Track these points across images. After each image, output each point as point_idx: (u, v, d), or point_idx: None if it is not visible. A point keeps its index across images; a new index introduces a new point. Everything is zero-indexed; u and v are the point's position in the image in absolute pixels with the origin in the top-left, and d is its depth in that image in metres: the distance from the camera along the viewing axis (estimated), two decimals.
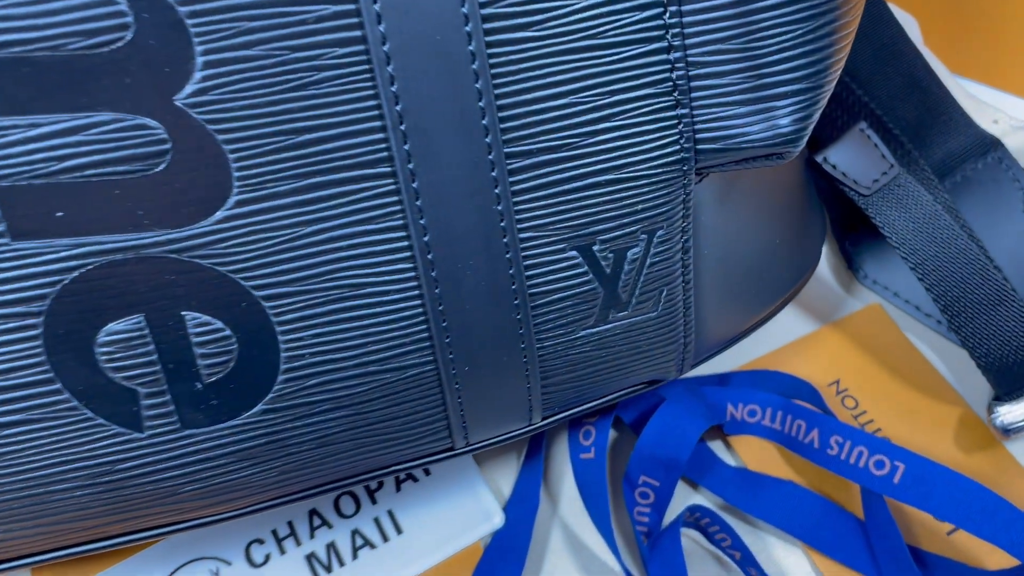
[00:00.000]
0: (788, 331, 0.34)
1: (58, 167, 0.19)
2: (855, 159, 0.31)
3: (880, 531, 0.28)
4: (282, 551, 0.29)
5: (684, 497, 0.30)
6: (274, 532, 0.29)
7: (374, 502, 0.30)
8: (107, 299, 0.20)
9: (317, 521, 0.29)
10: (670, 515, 0.30)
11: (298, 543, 0.29)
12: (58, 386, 0.20)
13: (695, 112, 0.22)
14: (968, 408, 0.32)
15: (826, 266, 0.36)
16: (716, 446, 0.31)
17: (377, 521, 0.29)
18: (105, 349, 0.20)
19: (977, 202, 0.34)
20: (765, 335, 0.34)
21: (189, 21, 0.18)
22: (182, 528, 0.23)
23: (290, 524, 0.29)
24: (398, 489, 0.30)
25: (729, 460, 0.31)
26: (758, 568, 0.28)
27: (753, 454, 0.31)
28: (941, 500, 0.28)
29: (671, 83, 0.21)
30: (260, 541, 0.29)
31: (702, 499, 0.30)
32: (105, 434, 0.21)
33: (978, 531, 0.27)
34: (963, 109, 0.35)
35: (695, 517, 0.29)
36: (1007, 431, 0.30)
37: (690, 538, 0.29)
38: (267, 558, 0.29)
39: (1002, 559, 0.29)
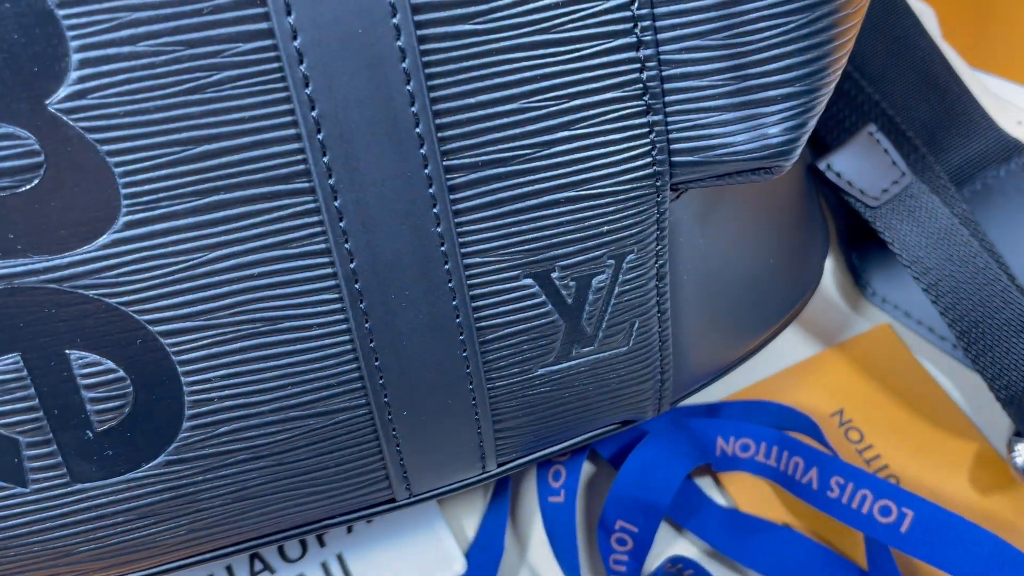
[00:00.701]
0: (786, 354, 0.31)
1: None
2: (862, 166, 0.28)
3: None
4: None
5: (666, 541, 0.27)
6: None
7: (322, 545, 0.27)
8: None
9: (259, 566, 0.26)
10: (650, 564, 0.27)
11: None
12: None
13: (669, 119, 0.18)
14: (986, 443, 0.29)
15: (830, 282, 0.33)
16: (704, 483, 0.28)
17: (325, 566, 0.26)
18: None
19: (999, 214, 0.31)
20: (760, 359, 0.31)
21: (60, 12, 0.15)
22: None
23: (228, 569, 0.26)
24: (349, 531, 0.27)
25: (719, 499, 0.28)
26: None
27: (745, 493, 0.28)
28: (954, 553, 0.25)
29: (641, 85, 0.18)
30: None
31: (687, 544, 0.27)
32: None
33: None
34: (984, 109, 0.32)
35: (677, 568, 0.26)
36: None
37: None
38: None
39: None
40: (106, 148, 0.16)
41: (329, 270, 0.18)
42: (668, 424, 0.28)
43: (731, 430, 0.28)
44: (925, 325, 0.31)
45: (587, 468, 0.29)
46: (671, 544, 0.27)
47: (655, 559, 0.27)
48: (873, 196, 0.28)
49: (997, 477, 0.28)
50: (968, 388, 0.30)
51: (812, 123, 0.19)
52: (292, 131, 0.17)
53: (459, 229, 0.18)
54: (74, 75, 0.16)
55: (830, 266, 0.33)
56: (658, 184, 0.19)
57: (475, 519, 0.28)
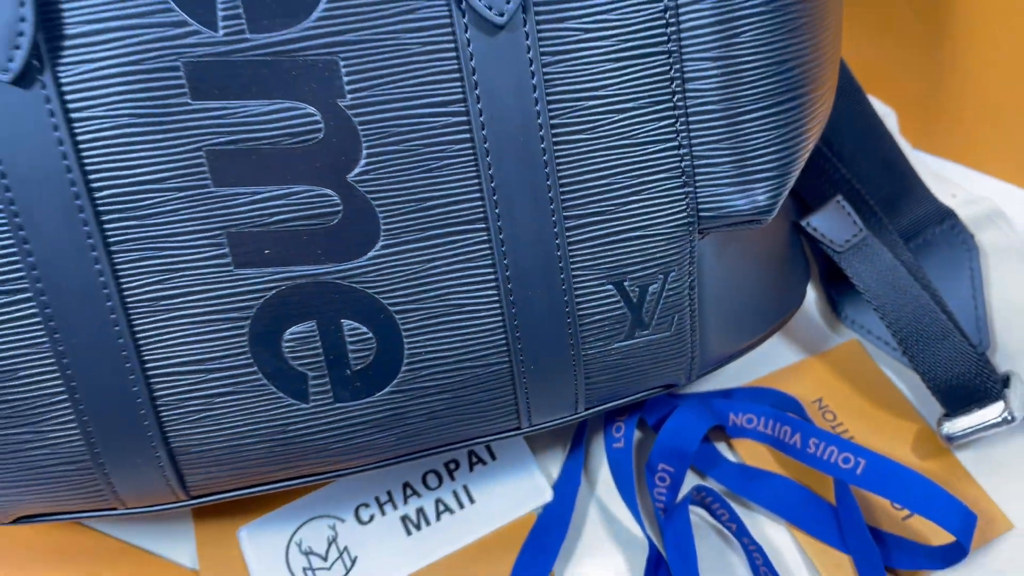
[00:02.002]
0: (783, 358, 0.42)
1: (269, 220, 0.28)
2: (832, 224, 0.40)
3: (847, 513, 0.36)
4: (383, 513, 0.38)
5: (693, 481, 0.38)
6: (376, 498, 0.38)
7: (452, 479, 0.38)
8: (292, 310, 0.29)
9: (409, 491, 0.38)
10: (682, 495, 0.38)
11: (395, 507, 0.38)
12: (255, 368, 0.29)
13: (698, 191, 0.31)
14: (925, 424, 0.40)
15: (815, 308, 0.44)
16: (721, 447, 0.40)
17: (455, 493, 0.38)
18: (288, 344, 0.29)
19: (935, 260, 0.42)
20: (762, 360, 0.42)
21: (360, 128, 0.28)
22: (324, 478, 0.32)
23: (388, 493, 0.38)
24: (471, 470, 0.39)
25: (730, 457, 0.39)
26: (750, 538, 0.36)
27: (749, 452, 0.39)
28: (894, 488, 0.36)
29: (680, 170, 0.30)
30: (366, 505, 0.38)
31: (708, 485, 0.38)
32: (282, 404, 0.30)
33: (922, 512, 0.35)
34: (926, 185, 0.44)
35: (700, 496, 0.37)
36: (951, 440, 0.38)
37: (696, 514, 0.38)
38: (371, 518, 0.37)
39: (944, 538, 0.36)
40: (376, 203, 0.29)
41: (492, 278, 0.30)
42: (695, 402, 0.39)
43: (740, 408, 0.40)
44: (882, 340, 0.42)
45: (636, 433, 0.40)
46: (696, 484, 0.38)
47: (684, 491, 0.38)
48: (839, 244, 0.39)
49: (932, 447, 0.39)
50: (911, 383, 0.41)
51: (786, 192, 0.31)
52: (478, 194, 0.29)
53: (570, 253, 0.30)
54: (363, 161, 0.28)
55: (815, 297, 0.45)
56: (690, 229, 0.31)
57: (558, 464, 0.39)
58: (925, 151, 0.48)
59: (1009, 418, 0.37)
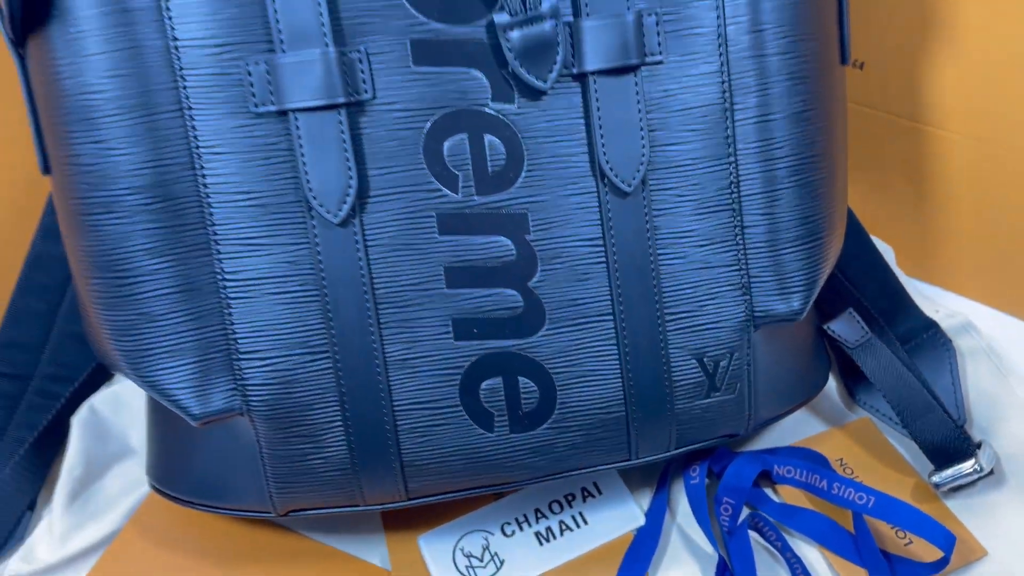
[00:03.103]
0: (812, 428, 0.57)
1: (479, 311, 0.44)
2: (846, 329, 0.55)
3: (863, 537, 0.50)
4: (521, 529, 0.52)
5: (748, 513, 0.52)
6: (516, 519, 0.52)
7: (571, 507, 0.52)
8: (487, 370, 0.44)
9: (540, 514, 0.52)
10: (740, 520, 0.52)
11: (530, 525, 0.52)
12: (461, 409, 0.45)
13: (753, 299, 0.46)
14: (919, 477, 0.54)
15: (835, 392, 0.59)
16: (768, 491, 0.54)
17: (573, 516, 0.52)
18: (483, 392, 0.45)
19: (924, 358, 0.57)
20: (799, 429, 0.56)
21: (538, 253, 0.44)
22: (497, 490, 0.47)
23: (524, 515, 0.52)
24: (584, 500, 0.53)
25: (775, 498, 0.53)
26: (792, 553, 0.49)
27: (788, 494, 0.53)
28: (897, 518, 0.50)
29: (741, 285, 0.46)
30: (508, 523, 0.52)
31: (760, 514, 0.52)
32: (475, 433, 0.45)
33: (916, 532, 0.49)
34: (916, 304, 0.59)
35: (755, 522, 0.51)
36: (938, 487, 0.52)
37: (751, 536, 0.51)
38: (513, 532, 0.51)
39: (935, 557, 0.49)
40: (545, 301, 0.44)
41: (615, 353, 0.45)
42: (749, 456, 0.53)
43: (782, 462, 0.54)
44: (887, 416, 0.57)
45: (707, 477, 0.54)
46: (751, 512, 0.52)
47: (742, 518, 0.52)
48: (852, 343, 0.54)
49: (925, 494, 0.53)
50: (908, 447, 0.55)
51: (812, 301, 0.46)
52: (608, 299, 0.44)
53: (668, 339, 0.46)
54: (538, 274, 0.44)
55: (834, 384, 0.59)
56: (748, 325, 0.46)
57: (647, 498, 0.53)
58: (916, 278, 0.64)
59: (979, 469, 0.51)
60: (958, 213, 0.62)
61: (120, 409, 0.56)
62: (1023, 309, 0.62)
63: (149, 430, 0.49)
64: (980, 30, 0.56)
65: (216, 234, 0.41)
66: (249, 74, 0.40)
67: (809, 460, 0.54)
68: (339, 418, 0.44)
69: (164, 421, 0.47)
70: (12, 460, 0.52)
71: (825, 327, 0.55)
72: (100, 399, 0.56)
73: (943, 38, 0.59)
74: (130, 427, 0.56)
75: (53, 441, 0.55)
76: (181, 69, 0.40)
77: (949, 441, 0.52)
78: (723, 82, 0.44)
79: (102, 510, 0.53)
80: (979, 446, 0.52)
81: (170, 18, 0.39)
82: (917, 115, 0.61)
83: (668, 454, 0.48)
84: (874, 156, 0.64)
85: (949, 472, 0.51)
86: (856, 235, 0.61)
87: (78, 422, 0.54)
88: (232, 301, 0.42)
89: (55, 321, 0.55)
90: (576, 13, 0.42)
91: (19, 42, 0.40)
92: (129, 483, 0.54)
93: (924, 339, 0.58)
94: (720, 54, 0.44)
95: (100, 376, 0.57)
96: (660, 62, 0.43)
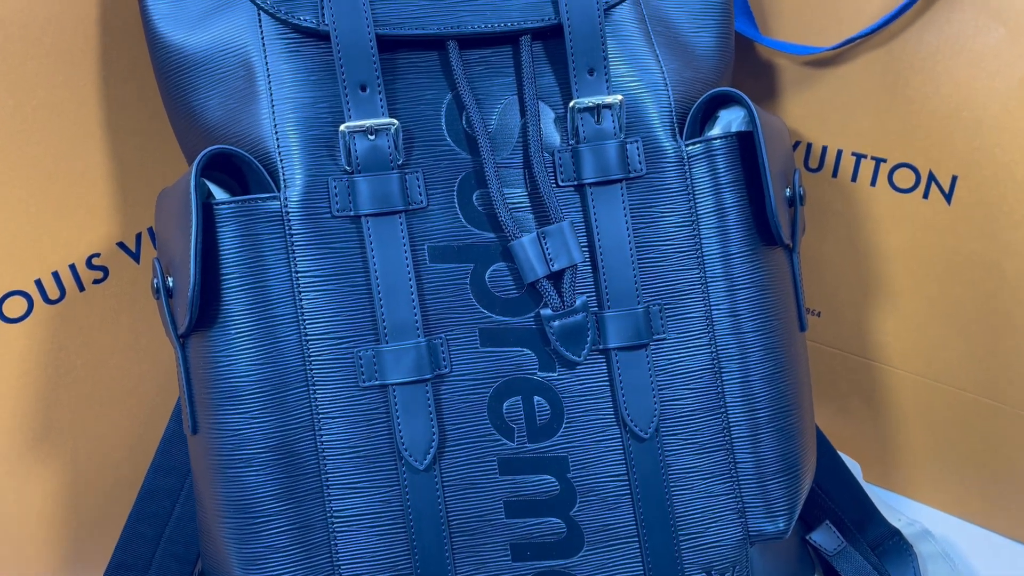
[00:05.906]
0: None
1: (528, 539, 0.55)
2: (824, 538, 0.66)
3: None
4: None
5: None
6: None
7: None
8: None
9: None
10: None
11: None
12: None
13: (748, 522, 0.58)
14: None
15: None
16: None
17: None
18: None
19: (891, 561, 0.68)
20: None
21: (577, 488, 0.56)
22: None
23: None
24: None
25: None
26: None
27: None
28: None
29: (737, 511, 0.57)
30: None
31: None
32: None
33: None
34: (881, 513, 0.71)
35: None
36: None
37: None
38: None
39: None
40: (584, 526, 0.56)
41: (639, 565, 0.56)
42: None
43: None
44: None
45: None
46: None
47: None
48: (831, 551, 0.65)
49: None
50: None
51: (795, 520, 0.58)
52: (632, 525, 0.56)
53: (683, 556, 0.56)
54: (578, 503, 0.56)
55: None
56: (744, 542, 0.58)
57: None
58: (881, 486, 0.76)
59: None
60: (908, 433, 0.75)
61: None
62: (975, 515, 0.74)
63: None
64: (912, 288, 0.72)
65: (328, 481, 0.53)
66: (360, 359, 0.53)
67: None
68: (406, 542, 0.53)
69: None
70: None
71: (807, 537, 0.66)
72: None
73: (883, 292, 0.74)
74: None
75: None
76: (309, 356, 0.53)
77: None
78: (712, 352, 0.58)
79: None
80: None
81: (303, 321, 0.53)
82: (867, 352, 0.76)
83: None
84: (835, 385, 0.78)
85: None
86: (828, 454, 0.73)
87: None
88: (338, 534, 0.53)
89: (160, 544, 0.65)
90: (600, 306, 0.56)
91: (183, 341, 0.53)
92: None
93: (890, 545, 0.69)
94: (708, 332, 0.58)
95: None
96: (664, 338, 0.57)
